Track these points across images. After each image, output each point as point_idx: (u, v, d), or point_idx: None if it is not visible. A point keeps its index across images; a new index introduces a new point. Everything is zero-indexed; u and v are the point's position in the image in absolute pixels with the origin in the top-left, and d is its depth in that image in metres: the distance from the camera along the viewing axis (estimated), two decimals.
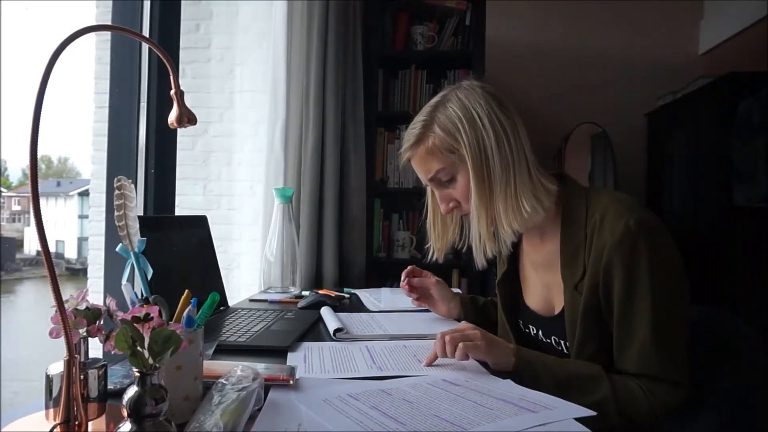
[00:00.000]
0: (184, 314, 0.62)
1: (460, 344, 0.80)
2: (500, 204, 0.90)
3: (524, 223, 0.90)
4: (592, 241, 0.86)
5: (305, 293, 1.49)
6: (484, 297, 1.29)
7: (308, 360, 0.86)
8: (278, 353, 0.90)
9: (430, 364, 0.83)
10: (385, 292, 1.55)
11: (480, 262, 0.94)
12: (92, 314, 0.57)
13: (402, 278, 1.22)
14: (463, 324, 0.88)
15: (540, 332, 1.01)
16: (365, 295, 1.52)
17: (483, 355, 0.82)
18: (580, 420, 0.61)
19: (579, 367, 0.85)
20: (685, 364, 0.82)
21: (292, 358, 0.87)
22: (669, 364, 0.80)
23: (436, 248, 1.09)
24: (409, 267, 1.23)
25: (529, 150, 0.92)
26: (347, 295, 1.55)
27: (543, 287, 1.00)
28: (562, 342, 0.94)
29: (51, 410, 0.55)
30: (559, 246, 0.93)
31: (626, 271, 0.81)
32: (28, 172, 0.52)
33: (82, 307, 0.57)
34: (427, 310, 1.27)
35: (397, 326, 1.13)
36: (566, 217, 0.92)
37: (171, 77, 0.70)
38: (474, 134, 0.90)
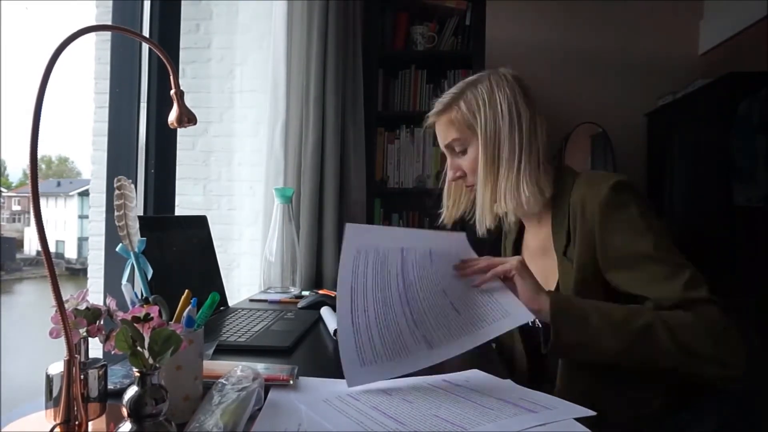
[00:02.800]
0: (184, 314, 0.62)
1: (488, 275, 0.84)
2: (503, 183, 0.99)
3: (521, 204, 0.98)
4: (576, 205, 0.94)
5: (305, 293, 1.49)
6: None
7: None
8: (278, 353, 0.90)
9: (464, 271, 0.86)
10: None
11: (480, 230, 1.04)
12: (92, 314, 0.57)
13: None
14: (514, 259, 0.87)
15: (536, 319, 1.01)
16: None
17: (514, 270, 0.84)
18: (580, 420, 0.61)
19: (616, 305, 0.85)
20: (702, 282, 0.83)
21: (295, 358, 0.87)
22: (694, 285, 0.82)
23: (447, 215, 1.16)
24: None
25: (544, 143, 1.01)
26: None
27: (540, 275, 0.99)
28: None
29: (51, 410, 0.55)
30: (550, 223, 1.00)
31: (621, 223, 0.87)
32: (28, 172, 0.52)
33: (82, 307, 0.57)
34: None
35: None
36: (556, 198, 1.01)
37: (171, 77, 0.70)
38: (492, 118, 1.00)
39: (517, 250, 1.17)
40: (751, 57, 2.44)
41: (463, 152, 1.05)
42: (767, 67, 2.31)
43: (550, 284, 1.00)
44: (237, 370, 0.66)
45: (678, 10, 2.90)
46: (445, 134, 1.06)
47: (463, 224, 1.13)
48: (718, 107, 2.31)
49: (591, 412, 0.62)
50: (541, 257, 1.05)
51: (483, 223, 1.03)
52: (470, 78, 1.07)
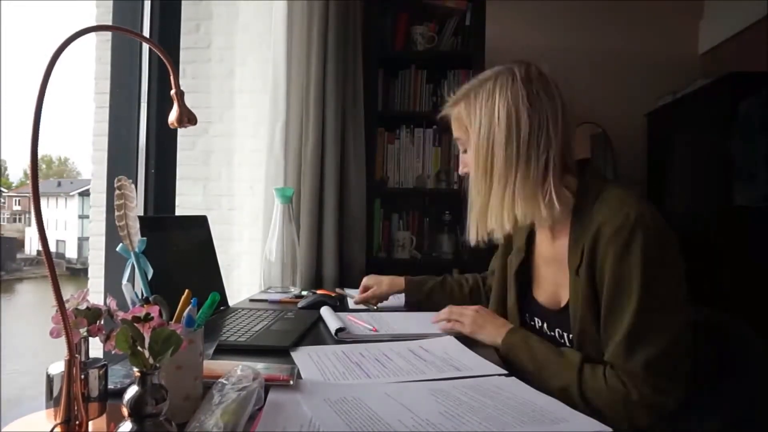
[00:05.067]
0: (185, 314, 0.62)
1: (448, 324, 1.05)
2: (493, 199, 0.94)
3: (513, 223, 0.94)
4: (591, 227, 0.88)
5: (305, 293, 1.49)
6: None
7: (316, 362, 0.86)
8: (278, 353, 0.90)
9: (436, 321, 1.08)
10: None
11: (471, 240, 1.00)
12: (93, 314, 0.57)
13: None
14: (472, 307, 1.05)
15: (545, 325, 1.02)
16: (351, 294, 1.48)
17: (468, 334, 1.02)
18: None
19: (558, 354, 0.89)
20: (671, 366, 0.80)
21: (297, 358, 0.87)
22: (651, 362, 0.79)
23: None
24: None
25: (558, 147, 0.92)
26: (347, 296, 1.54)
27: (553, 282, 1.01)
28: (566, 335, 0.95)
29: (51, 410, 0.55)
30: (568, 237, 0.94)
31: (617, 262, 0.83)
32: (28, 172, 0.52)
33: (83, 306, 0.58)
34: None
35: (400, 325, 1.13)
36: (577, 211, 0.93)
37: (171, 77, 0.70)
38: (487, 125, 0.94)
39: (528, 254, 1.08)
40: (751, 57, 2.44)
41: (465, 151, 1.01)
42: (767, 67, 2.31)
43: (561, 296, 0.97)
44: (237, 370, 0.66)
45: (678, 10, 2.90)
46: (453, 129, 1.03)
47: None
48: (718, 107, 2.31)
49: (609, 429, 0.61)
50: (554, 267, 1.00)
51: (473, 234, 0.98)
52: (484, 73, 1.01)
